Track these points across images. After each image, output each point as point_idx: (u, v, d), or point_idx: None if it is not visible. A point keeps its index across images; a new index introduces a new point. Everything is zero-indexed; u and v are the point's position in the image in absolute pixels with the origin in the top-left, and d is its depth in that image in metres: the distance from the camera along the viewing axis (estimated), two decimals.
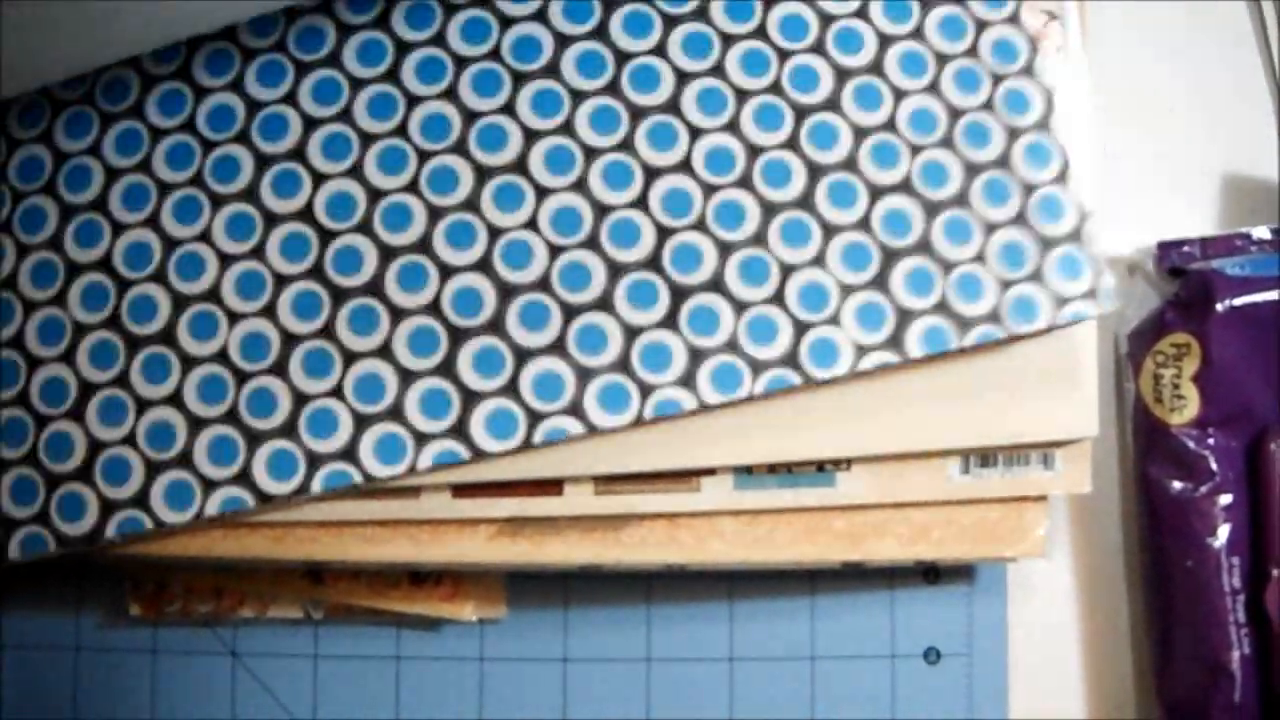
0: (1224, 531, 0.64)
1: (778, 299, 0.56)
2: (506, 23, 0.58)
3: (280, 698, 0.68)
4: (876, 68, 0.58)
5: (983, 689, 0.67)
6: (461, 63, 0.58)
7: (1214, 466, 0.64)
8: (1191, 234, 0.66)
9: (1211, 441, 0.64)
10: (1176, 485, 0.64)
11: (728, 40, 0.58)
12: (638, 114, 0.57)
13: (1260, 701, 0.63)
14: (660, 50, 0.58)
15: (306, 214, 0.57)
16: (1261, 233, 0.66)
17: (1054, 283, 0.56)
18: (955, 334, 0.56)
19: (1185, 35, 0.71)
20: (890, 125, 0.57)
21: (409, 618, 0.66)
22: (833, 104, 0.57)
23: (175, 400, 0.56)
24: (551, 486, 0.58)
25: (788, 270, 0.56)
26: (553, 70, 0.58)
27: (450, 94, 0.58)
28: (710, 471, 0.59)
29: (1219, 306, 0.63)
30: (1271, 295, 0.63)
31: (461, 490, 0.58)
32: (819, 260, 0.56)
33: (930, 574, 0.68)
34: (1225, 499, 0.64)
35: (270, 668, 0.68)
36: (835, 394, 0.57)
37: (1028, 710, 0.67)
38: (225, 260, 0.57)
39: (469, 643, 0.68)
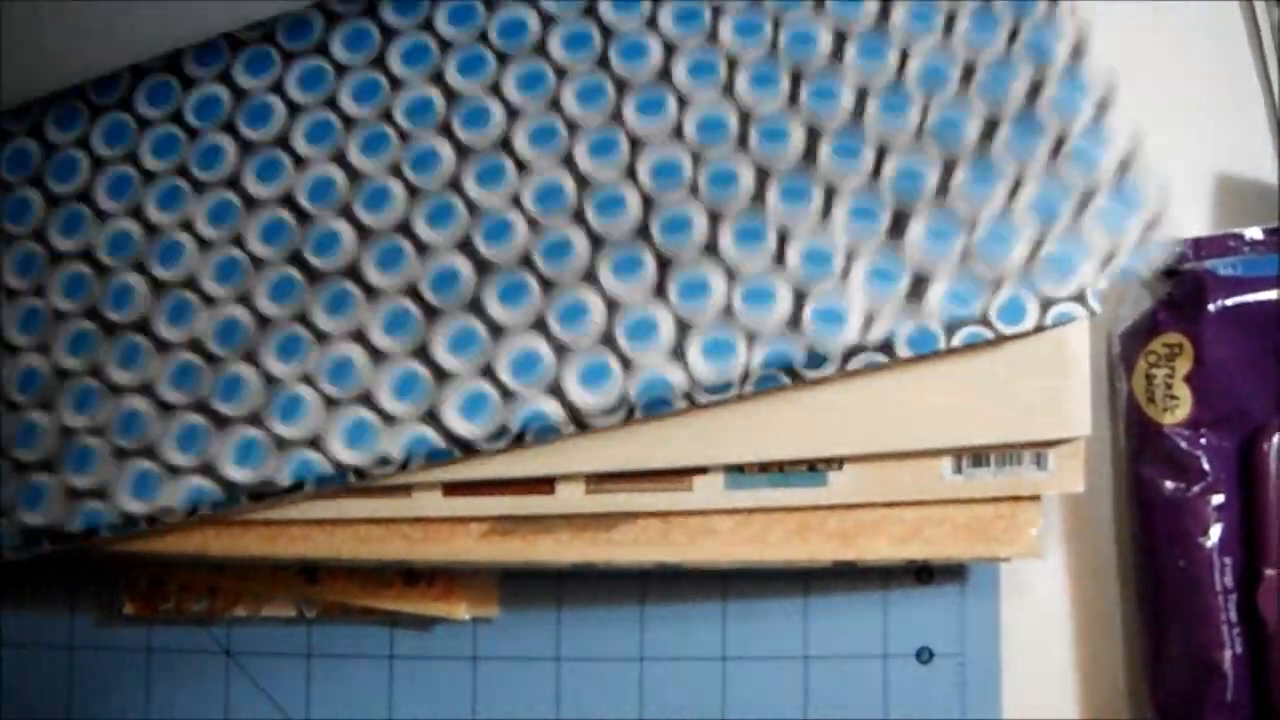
0: (1216, 531, 0.63)
1: (776, 266, 0.56)
2: (492, 4, 0.59)
3: (274, 696, 0.68)
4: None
5: (975, 688, 0.67)
6: (447, 46, 0.58)
7: (1206, 466, 0.64)
8: (1185, 234, 0.66)
9: (1204, 441, 0.64)
10: (1169, 485, 0.64)
11: (718, 13, 0.58)
12: (624, 87, 0.58)
13: (1252, 701, 0.63)
14: (651, 23, 0.58)
15: (287, 199, 0.57)
16: (1254, 233, 0.66)
17: (1041, 284, 0.56)
18: (943, 335, 0.56)
19: (1178, 35, 0.71)
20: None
21: (402, 617, 0.66)
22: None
23: (147, 388, 0.57)
24: (543, 485, 0.59)
25: (783, 234, 0.56)
26: (539, 49, 0.58)
27: (436, 78, 0.58)
28: (702, 470, 0.59)
29: (1211, 307, 0.63)
30: (1264, 295, 0.63)
31: (453, 488, 0.59)
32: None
33: (923, 573, 0.68)
34: (1218, 499, 0.64)
35: (264, 666, 0.68)
36: (827, 393, 0.57)
37: (1020, 709, 0.67)
38: (205, 246, 0.57)
39: (462, 642, 0.68)
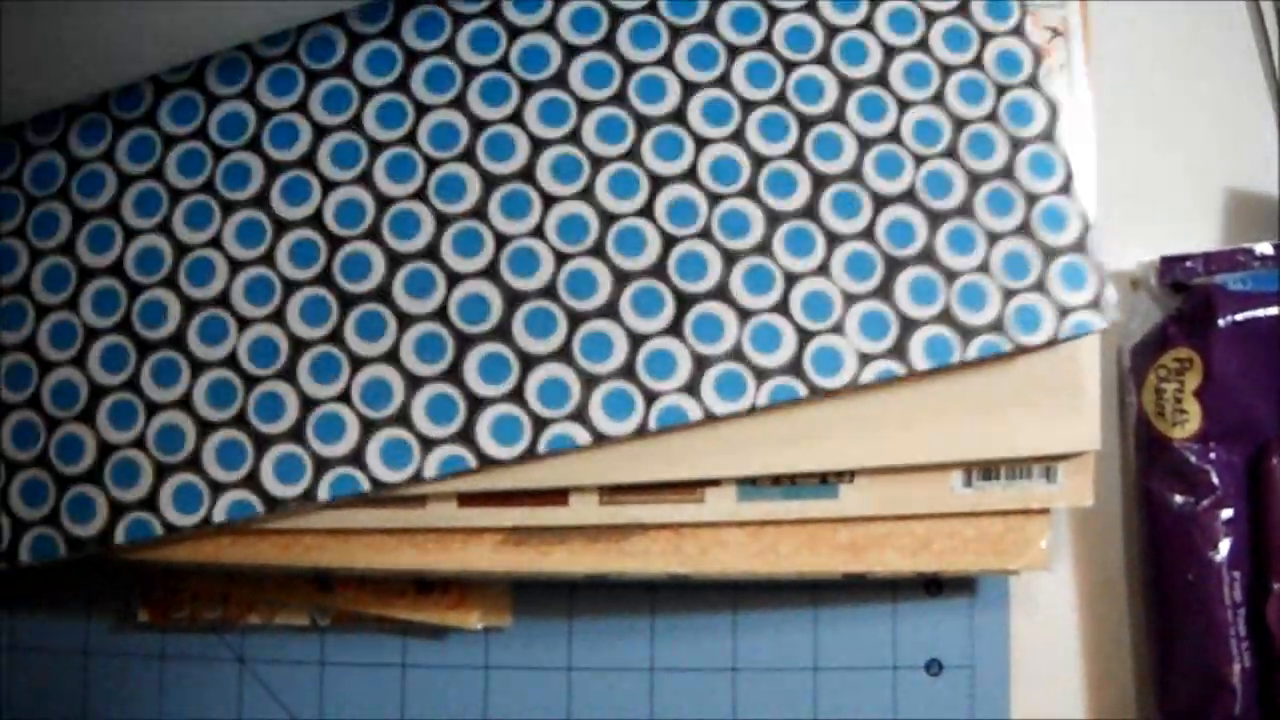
0: (1225, 545, 0.64)
1: (782, 307, 0.56)
2: (515, 32, 0.59)
3: (287, 704, 0.68)
4: (881, 78, 0.58)
5: (984, 701, 0.67)
6: (470, 71, 0.59)
7: (1215, 480, 0.64)
8: (1194, 249, 0.67)
9: (1213, 456, 0.64)
10: (1178, 499, 0.65)
11: (734, 51, 0.58)
12: (644, 124, 0.58)
13: (1260, 715, 0.63)
14: (667, 61, 0.58)
15: (315, 221, 0.57)
16: (1264, 248, 0.66)
17: (1057, 293, 0.56)
18: (958, 343, 0.56)
19: (1190, 50, 0.71)
20: (894, 135, 0.57)
21: (415, 625, 0.66)
22: (837, 114, 0.58)
23: (185, 404, 0.57)
24: (557, 496, 0.59)
25: (792, 279, 0.56)
26: (560, 80, 0.58)
27: (459, 103, 0.58)
28: (714, 483, 0.59)
29: (1221, 321, 0.63)
30: (1273, 310, 0.63)
31: (467, 499, 0.59)
32: (823, 269, 0.56)
33: (932, 586, 0.68)
34: (1227, 513, 0.64)
35: (277, 674, 0.68)
36: (839, 406, 0.57)
37: None
38: (235, 266, 0.57)
39: (474, 651, 0.68)
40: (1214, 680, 0.63)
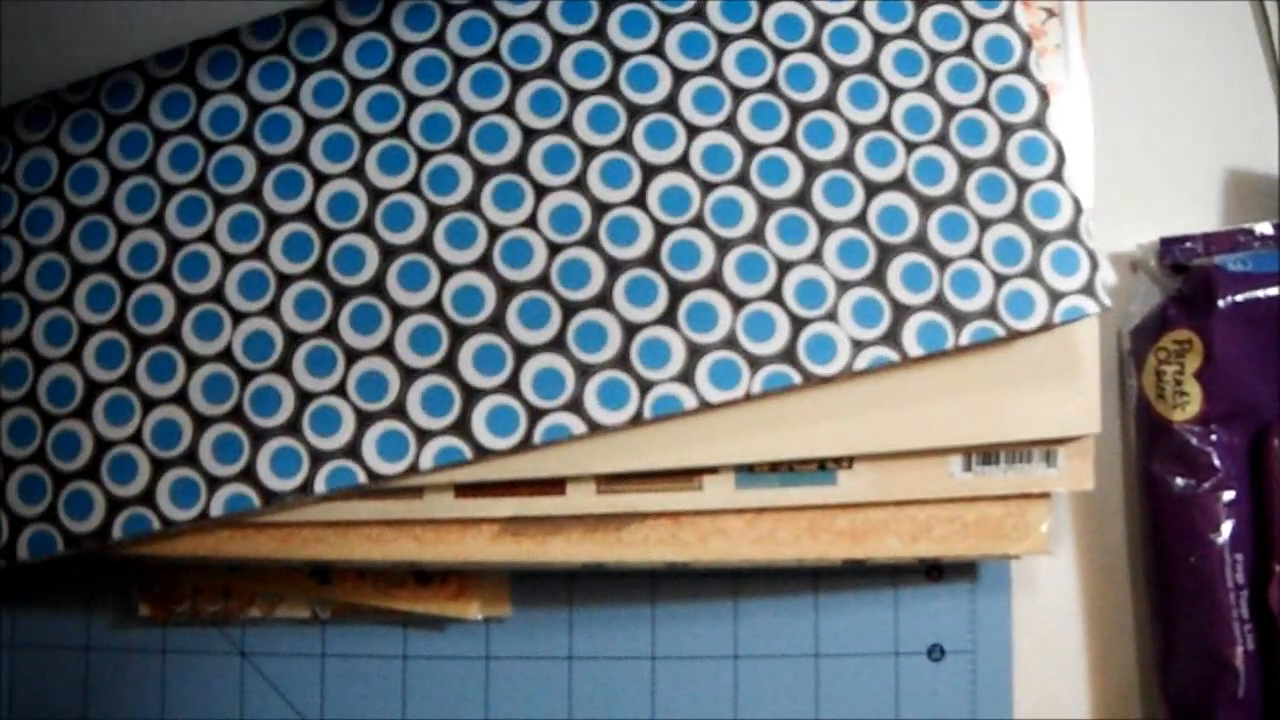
0: (1227, 528, 0.64)
1: (775, 295, 0.56)
2: (505, 23, 0.59)
3: (288, 697, 0.68)
4: (872, 66, 0.58)
5: (987, 686, 0.67)
6: (461, 63, 0.59)
7: (1217, 463, 0.64)
8: (1194, 230, 0.67)
9: (1214, 438, 0.64)
10: (1179, 482, 0.64)
11: (724, 39, 0.58)
12: (635, 112, 0.58)
13: (1264, 697, 0.63)
14: (657, 49, 0.58)
15: (308, 214, 0.57)
16: (1264, 228, 0.66)
17: (1050, 278, 0.56)
18: (951, 330, 0.56)
19: (1188, 30, 0.71)
20: (886, 123, 0.57)
21: (415, 617, 0.66)
22: (828, 102, 0.58)
23: (180, 399, 0.57)
24: (554, 486, 0.59)
25: (785, 267, 0.56)
26: (551, 70, 0.58)
27: (450, 94, 0.58)
28: (712, 470, 0.59)
29: (1221, 303, 0.63)
30: (1273, 291, 0.63)
31: (464, 490, 0.59)
32: (816, 257, 0.56)
33: (933, 571, 0.68)
34: (1228, 495, 0.64)
35: (278, 667, 0.68)
36: (836, 392, 0.57)
37: (1032, 707, 0.67)
38: (229, 260, 0.57)
39: (474, 641, 0.68)
40: (1217, 663, 0.63)
